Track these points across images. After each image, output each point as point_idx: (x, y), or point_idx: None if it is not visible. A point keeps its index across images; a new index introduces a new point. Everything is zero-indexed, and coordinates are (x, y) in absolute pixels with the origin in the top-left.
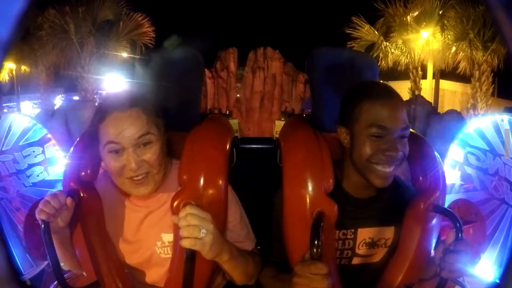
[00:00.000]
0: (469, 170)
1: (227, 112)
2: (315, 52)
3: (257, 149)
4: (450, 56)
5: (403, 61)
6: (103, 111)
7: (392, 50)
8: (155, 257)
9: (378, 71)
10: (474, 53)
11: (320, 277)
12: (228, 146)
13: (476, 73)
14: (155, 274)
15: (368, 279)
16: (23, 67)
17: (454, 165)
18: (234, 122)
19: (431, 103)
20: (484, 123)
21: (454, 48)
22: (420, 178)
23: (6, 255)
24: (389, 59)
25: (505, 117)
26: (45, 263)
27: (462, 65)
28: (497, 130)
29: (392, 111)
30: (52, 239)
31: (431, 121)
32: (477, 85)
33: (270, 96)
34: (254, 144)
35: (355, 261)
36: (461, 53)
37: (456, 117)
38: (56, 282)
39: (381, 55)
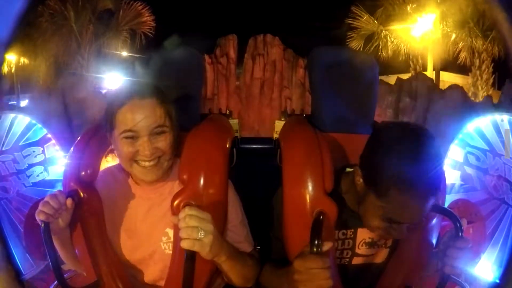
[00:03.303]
0: (469, 170)
1: (227, 112)
2: (315, 52)
3: (257, 149)
4: (450, 44)
5: (402, 50)
6: (122, 97)
7: (392, 39)
8: (159, 253)
9: (378, 71)
10: (474, 41)
11: (321, 270)
12: (228, 146)
13: (477, 62)
14: (156, 271)
15: (370, 280)
16: (23, 59)
17: (454, 165)
18: (234, 122)
19: (432, 79)
20: (484, 123)
21: (454, 36)
22: None
23: (6, 255)
24: (389, 48)
25: (505, 117)
26: (45, 263)
27: (462, 55)
28: (497, 130)
29: None
30: (52, 239)
31: (433, 97)
32: (477, 73)
33: (270, 82)
34: (254, 144)
35: (355, 261)
36: (461, 42)
37: (458, 91)
38: (56, 282)
39: (381, 44)
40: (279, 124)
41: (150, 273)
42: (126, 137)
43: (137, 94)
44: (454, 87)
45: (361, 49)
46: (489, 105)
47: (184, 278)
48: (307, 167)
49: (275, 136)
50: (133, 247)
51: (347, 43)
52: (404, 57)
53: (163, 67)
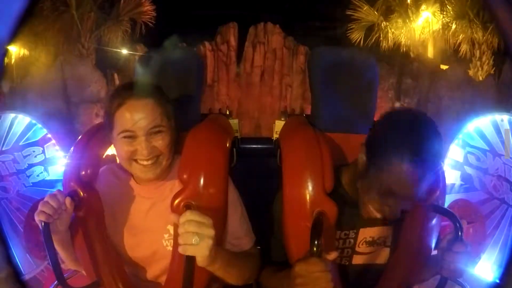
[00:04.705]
0: (469, 170)
1: (227, 112)
2: (315, 52)
3: (257, 149)
4: (450, 35)
5: (403, 42)
6: (121, 98)
7: (393, 30)
8: (161, 250)
9: (378, 71)
10: (474, 33)
11: (322, 273)
12: (228, 146)
13: (477, 53)
14: (158, 268)
15: (370, 282)
16: (23, 50)
17: (454, 165)
18: (234, 122)
19: (433, 59)
20: (484, 123)
21: (454, 26)
22: None
23: (6, 255)
24: (389, 39)
25: (505, 117)
26: (45, 263)
27: (463, 48)
28: (497, 130)
29: None
30: (52, 239)
31: (435, 78)
32: (478, 64)
33: (270, 70)
34: (254, 144)
35: (356, 260)
36: (461, 34)
37: (461, 70)
38: (56, 282)
39: (381, 35)
40: (279, 124)
41: (152, 271)
42: (125, 137)
43: (134, 95)
44: (455, 67)
45: (362, 40)
46: (491, 84)
47: (184, 280)
48: (307, 167)
49: (275, 136)
50: (134, 245)
51: (348, 35)
52: (404, 49)
53: (163, 67)
